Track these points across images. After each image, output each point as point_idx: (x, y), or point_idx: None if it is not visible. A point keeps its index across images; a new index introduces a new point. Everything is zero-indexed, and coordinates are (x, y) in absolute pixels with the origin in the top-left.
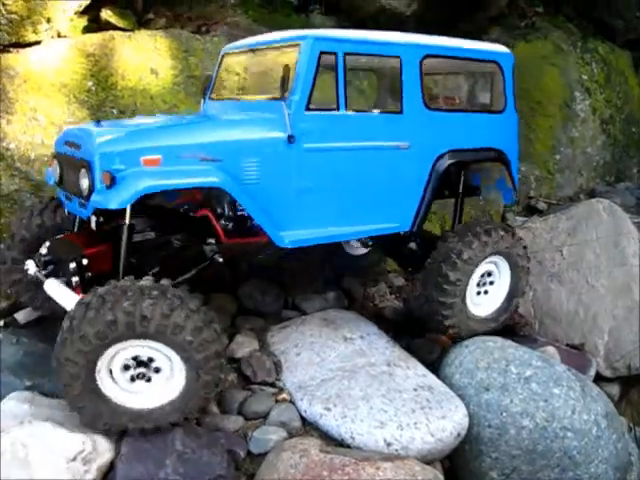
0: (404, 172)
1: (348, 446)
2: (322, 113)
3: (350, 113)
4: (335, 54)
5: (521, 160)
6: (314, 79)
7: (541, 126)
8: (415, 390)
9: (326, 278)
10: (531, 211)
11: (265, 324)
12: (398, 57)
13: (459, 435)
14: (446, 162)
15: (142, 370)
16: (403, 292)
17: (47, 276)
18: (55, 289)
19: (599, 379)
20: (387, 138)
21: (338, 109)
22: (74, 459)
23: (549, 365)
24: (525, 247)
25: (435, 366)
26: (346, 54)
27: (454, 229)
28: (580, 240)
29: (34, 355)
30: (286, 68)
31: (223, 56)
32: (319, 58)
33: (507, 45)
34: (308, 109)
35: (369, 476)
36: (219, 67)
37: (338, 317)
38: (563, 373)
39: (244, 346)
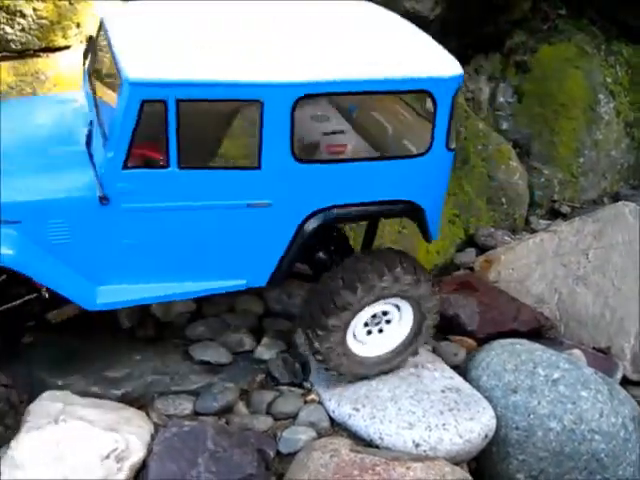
0: (261, 229)
1: (377, 446)
2: (145, 171)
3: (184, 170)
4: (164, 102)
5: (544, 163)
6: (134, 132)
7: (565, 129)
8: (443, 392)
9: None
10: (555, 215)
11: (292, 326)
12: (259, 101)
13: (486, 437)
14: (318, 221)
15: None
16: None
17: None
18: None
19: (626, 382)
20: (236, 196)
21: (168, 166)
22: (107, 457)
23: (577, 368)
24: (431, 284)
25: (461, 368)
26: (179, 101)
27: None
28: (606, 243)
29: (66, 354)
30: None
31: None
32: (141, 107)
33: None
34: (126, 167)
35: (399, 476)
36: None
37: None
38: (591, 376)
39: (271, 347)
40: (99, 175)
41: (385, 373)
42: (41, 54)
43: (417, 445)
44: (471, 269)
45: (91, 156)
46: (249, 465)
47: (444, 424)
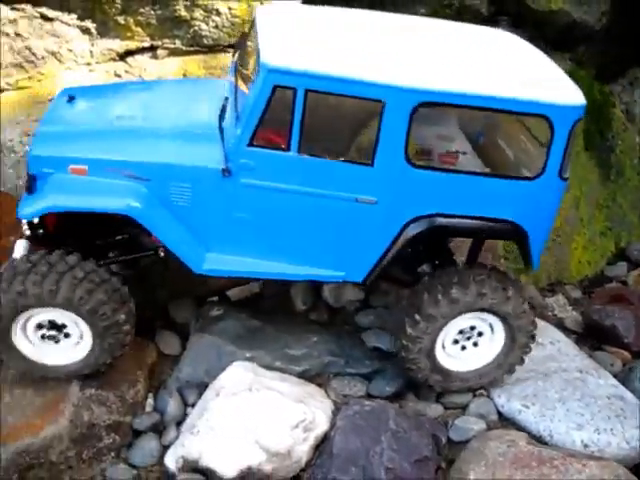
0: (365, 226)
1: (545, 443)
2: (267, 151)
3: (302, 156)
4: (294, 90)
5: None
6: (263, 114)
7: None
8: (608, 398)
9: None
10: None
11: None
12: (381, 102)
13: None
14: (421, 227)
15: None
16: (581, 304)
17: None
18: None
19: None
20: (347, 189)
21: (288, 150)
22: (296, 427)
23: None
24: (525, 301)
25: (618, 378)
26: (308, 91)
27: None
28: None
29: (250, 329)
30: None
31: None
32: (273, 92)
33: None
34: (251, 144)
35: (576, 471)
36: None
37: None
38: None
39: None
40: (226, 149)
41: (473, 391)
42: (229, 50)
43: (585, 446)
44: (624, 283)
45: (222, 131)
46: (425, 448)
47: (612, 429)
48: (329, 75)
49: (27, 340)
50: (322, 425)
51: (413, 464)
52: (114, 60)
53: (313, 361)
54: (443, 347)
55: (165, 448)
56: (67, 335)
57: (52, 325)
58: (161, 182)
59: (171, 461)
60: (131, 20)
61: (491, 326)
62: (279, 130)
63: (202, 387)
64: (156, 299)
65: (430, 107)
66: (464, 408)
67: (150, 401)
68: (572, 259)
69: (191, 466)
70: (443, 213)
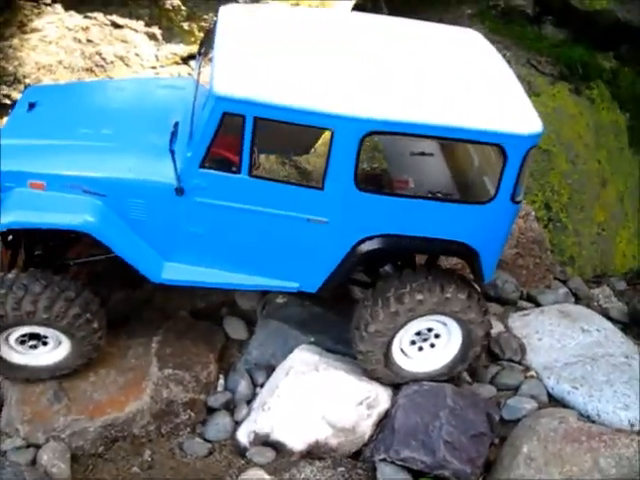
0: (317, 243)
1: (593, 422)
2: (218, 173)
3: (252, 179)
4: (243, 117)
5: None
6: (213, 138)
7: None
8: None
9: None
10: None
11: (503, 311)
12: (331, 130)
13: None
14: (372, 245)
15: None
16: (626, 296)
17: None
18: None
19: None
20: (298, 210)
21: (239, 172)
22: (360, 403)
23: None
24: (482, 308)
25: None
26: (257, 118)
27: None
28: None
29: (313, 316)
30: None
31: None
32: (222, 118)
33: None
34: (203, 166)
35: (624, 445)
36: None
37: (574, 311)
38: None
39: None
40: (179, 169)
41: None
42: None
43: (632, 425)
44: None
45: (172, 152)
46: (481, 424)
47: None
48: (278, 105)
49: (11, 349)
50: (384, 403)
51: (470, 438)
52: (177, 63)
53: None
54: (400, 348)
55: (237, 424)
56: (45, 343)
57: (32, 336)
58: (116, 197)
59: (243, 435)
60: (195, 26)
61: (448, 330)
62: (233, 148)
63: (269, 369)
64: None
65: (380, 135)
66: (516, 389)
67: (221, 381)
68: (617, 252)
69: (262, 440)
70: (394, 234)
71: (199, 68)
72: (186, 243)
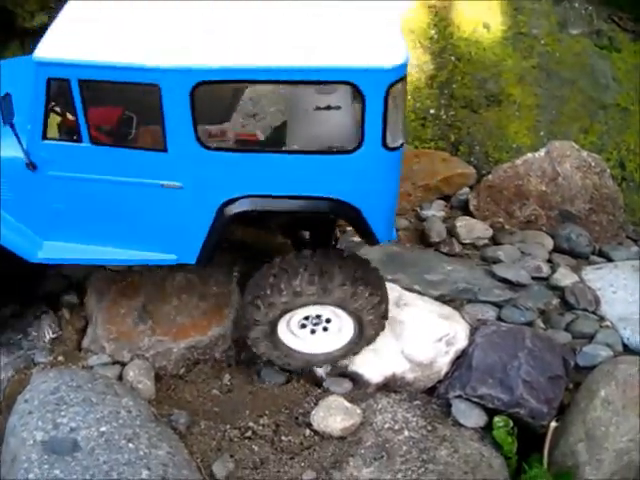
0: (180, 210)
1: None
2: (61, 144)
3: (95, 146)
4: (67, 81)
5: None
6: (46, 107)
7: None
8: None
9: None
10: None
11: (577, 264)
12: (157, 86)
13: None
14: (240, 207)
15: None
16: None
17: None
18: None
19: None
20: (149, 176)
21: (81, 141)
22: (439, 340)
23: None
24: (357, 281)
25: None
26: (82, 81)
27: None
28: None
29: (390, 255)
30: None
31: None
32: (48, 85)
33: None
34: (45, 137)
35: None
36: None
37: None
38: None
39: (567, 278)
40: (24, 144)
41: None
42: None
43: None
44: None
45: (13, 126)
46: (558, 368)
47: None
48: (98, 63)
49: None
50: (461, 341)
51: (547, 380)
52: None
53: (449, 287)
54: (289, 329)
55: None
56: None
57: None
58: None
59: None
60: None
61: (338, 315)
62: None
63: None
64: None
65: (213, 85)
66: (591, 338)
67: None
68: None
69: (339, 371)
70: (259, 194)
71: None
72: (54, 220)
